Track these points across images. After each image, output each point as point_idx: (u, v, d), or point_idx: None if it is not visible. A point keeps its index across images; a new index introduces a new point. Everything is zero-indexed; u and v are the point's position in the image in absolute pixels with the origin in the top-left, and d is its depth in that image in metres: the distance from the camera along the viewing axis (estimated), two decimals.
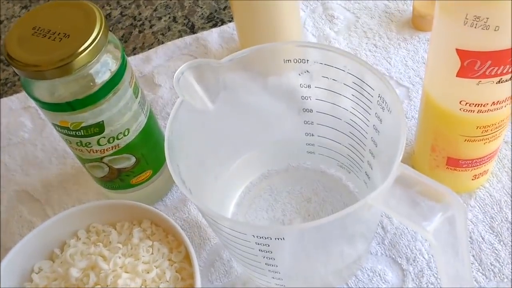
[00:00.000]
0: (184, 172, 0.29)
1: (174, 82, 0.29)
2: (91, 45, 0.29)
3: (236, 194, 0.39)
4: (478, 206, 0.36)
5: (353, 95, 0.32)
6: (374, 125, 0.31)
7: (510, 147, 0.38)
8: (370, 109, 0.31)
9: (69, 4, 0.31)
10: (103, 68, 0.31)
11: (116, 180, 0.37)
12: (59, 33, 0.29)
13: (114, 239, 0.32)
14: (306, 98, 0.34)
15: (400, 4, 0.49)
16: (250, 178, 0.39)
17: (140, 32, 0.52)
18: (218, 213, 0.26)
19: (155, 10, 0.54)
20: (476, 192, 0.37)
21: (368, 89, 0.30)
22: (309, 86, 0.34)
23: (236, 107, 0.35)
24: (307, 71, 0.33)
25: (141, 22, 0.53)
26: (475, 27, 0.26)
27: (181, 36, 0.51)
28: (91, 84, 0.30)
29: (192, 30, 0.51)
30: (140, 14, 0.53)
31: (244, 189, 0.39)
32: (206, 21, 0.52)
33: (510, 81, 0.28)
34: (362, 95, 0.31)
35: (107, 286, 0.30)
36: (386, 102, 0.29)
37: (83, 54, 0.29)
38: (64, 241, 0.34)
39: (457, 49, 0.27)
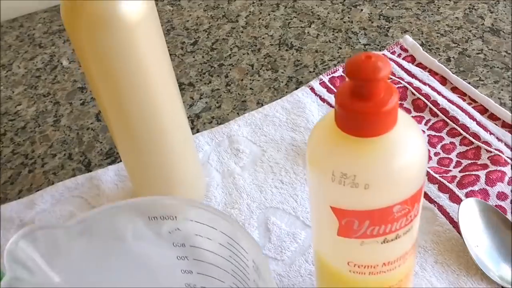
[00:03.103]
0: None
1: (5, 258, 0.24)
2: None
3: None
4: None
5: (230, 257, 0.28)
6: None
7: None
8: (249, 274, 0.27)
9: None
10: None
11: None
12: None
13: None
14: (183, 258, 0.30)
15: (307, 136, 0.47)
16: None
17: (30, 171, 0.47)
18: None
19: (50, 146, 0.50)
20: None
21: (243, 252, 0.26)
22: (183, 245, 0.29)
23: (107, 277, 0.29)
24: (178, 229, 0.28)
25: (33, 160, 0.48)
26: (344, 185, 0.22)
27: (74, 174, 0.46)
28: None
29: (88, 167, 0.47)
30: (33, 151, 0.49)
31: None
32: (105, 157, 0.48)
33: (398, 240, 0.25)
34: (239, 257, 0.27)
35: None
36: (260, 271, 0.25)
37: None
38: None
39: (331, 207, 0.24)
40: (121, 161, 0.47)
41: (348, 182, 0.22)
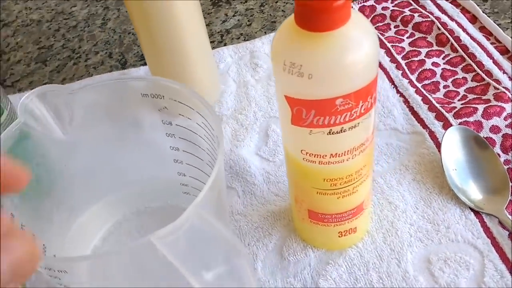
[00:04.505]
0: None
1: (19, 109, 0.30)
2: None
3: (105, 227, 0.38)
4: (345, 266, 0.34)
5: (205, 135, 0.32)
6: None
7: (393, 208, 0.37)
8: (215, 149, 0.31)
9: None
10: None
11: None
12: None
13: None
14: (171, 135, 0.34)
15: None
16: (124, 211, 0.39)
17: (74, 64, 0.53)
18: None
19: (95, 45, 0.55)
20: (347, 251, 0.35)
21: (211, 130, 0.30)
22: (170, 123, 0.34)
23: (108, 143, 0.35)
24: (165, 108, 0.33)
25: (78, 55, 0.54)
26: (292, 74, 0.25)
27: (111, 70, 0.52)
28: None
29: (124, 66, 0.52)
30: (80, 47, 0.55)
31: (115, 223, 0.38)
32: (139, 59, 0.53)
33: (343, 133, 0.27)
34: (210, 135, 0.31)
35: None
36: (219, 144, 0.29)
37: None
38: None
39: (285, 96, 0.27)
40: None
41: (295, 71, 0.25)
